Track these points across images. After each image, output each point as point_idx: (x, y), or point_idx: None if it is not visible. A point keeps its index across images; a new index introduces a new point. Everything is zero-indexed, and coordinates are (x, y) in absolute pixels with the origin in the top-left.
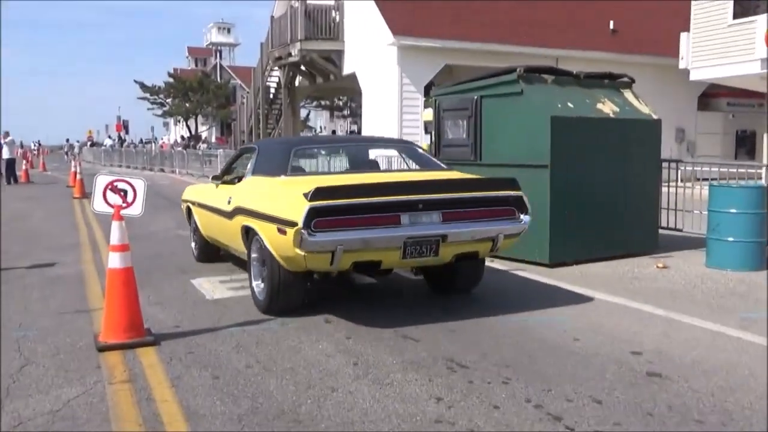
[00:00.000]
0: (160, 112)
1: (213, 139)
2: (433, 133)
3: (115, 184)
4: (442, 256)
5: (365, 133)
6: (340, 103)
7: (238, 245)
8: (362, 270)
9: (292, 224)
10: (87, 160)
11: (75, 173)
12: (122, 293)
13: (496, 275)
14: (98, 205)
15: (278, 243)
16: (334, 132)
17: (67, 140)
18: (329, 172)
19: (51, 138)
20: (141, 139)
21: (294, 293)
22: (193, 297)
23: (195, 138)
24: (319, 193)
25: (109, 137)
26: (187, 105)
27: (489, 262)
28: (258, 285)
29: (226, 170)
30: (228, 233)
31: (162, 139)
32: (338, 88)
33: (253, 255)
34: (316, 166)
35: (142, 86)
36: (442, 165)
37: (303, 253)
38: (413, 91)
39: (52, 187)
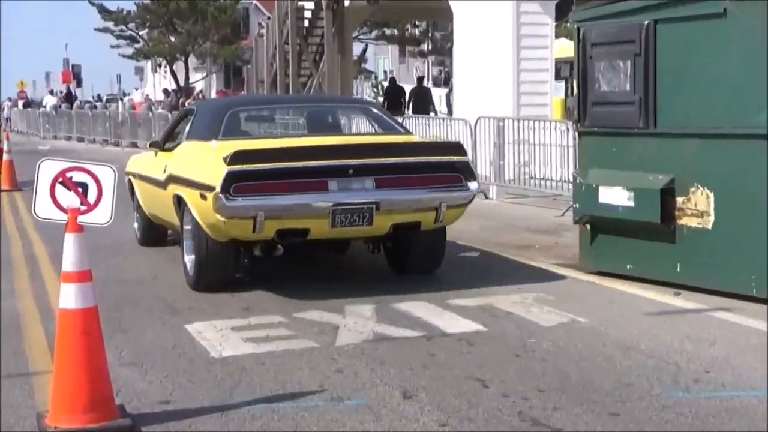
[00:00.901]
0: (130, 51)
1: (213, 94)
2: (573, 81)
3: (68, 174)
4: (378, 225)
5: (458, 81)
6: (416, 33)
7: (174, 219)
8: (288, 238)
9: (211, 189)
10: (18, 130)
11: (0, 150)
12: (81, 348)
13: (688, 319)
14: (43, 208)
15: (200, 209)
16: (393, 80)
17: None
18: (266, 136)
19: None
20: (99, 96)
21: (222, 266)
22: (190, 353)
23: (185, 92)
24: (238, 157)
25: (52, 93)
26: (173, 39)
27: (676, 299)
28: (190, 259)
29: (167, 136)
30: (165, 206)
31: (134, 94)
32: (413, 8)
33: (186, 227)
34: (259, 129)
35: (102, 10)
36: (400, 129)
37: (223, 219)
38: (538, 12)
39: None
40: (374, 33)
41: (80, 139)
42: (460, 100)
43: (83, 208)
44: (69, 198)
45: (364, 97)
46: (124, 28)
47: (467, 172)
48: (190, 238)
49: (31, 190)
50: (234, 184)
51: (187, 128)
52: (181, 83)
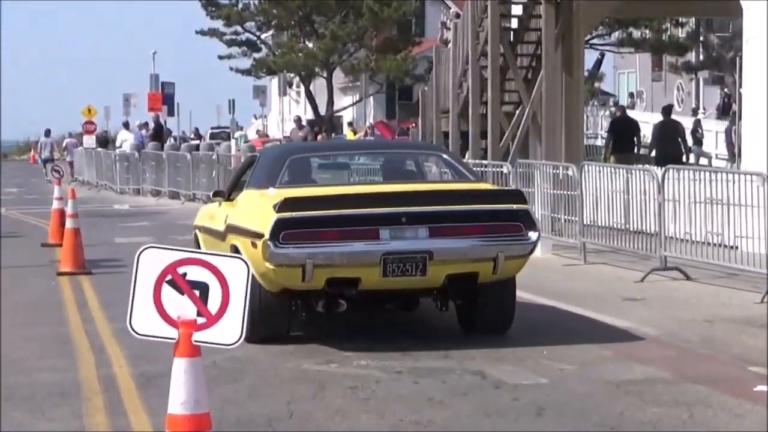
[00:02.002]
0: (247, 63)
1: (369, 127)
2: None
3: (181, 270)
4: (432, 276)
5: (749, 111)
6: (680, 35)
7: None
8: (338, 287)
9: (261, 236)
10: (85, 180)
11: (58, 212)
12: None
13: None
14: (143, 320)
15: (252, 257)
16: (623, 110)
17: (47, 133)
18: (326, 184)
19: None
20: (198, 131)
21: (276, 318)
22: None
23: (327, 123)
24: (287, 204)
25: (127, 127)
26: (311, 46)
27: None
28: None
29: (233, 185)
30: None
31: (252, 126)
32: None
33: None
34: (320, 177)
35: (209, 2)
36: (470, 176)
37: (272, 267)
38: None
39: (7, 243)
40: (615, 35)
41: (174, 195)
42: (753, 141)
43: (201, 320)
44: (181, 305)
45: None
46: (239, 29)
47: (527, 220)
48: None
49: (105, 273)
50: (283, 231)
51: (248, 177)
52: (322, 110)
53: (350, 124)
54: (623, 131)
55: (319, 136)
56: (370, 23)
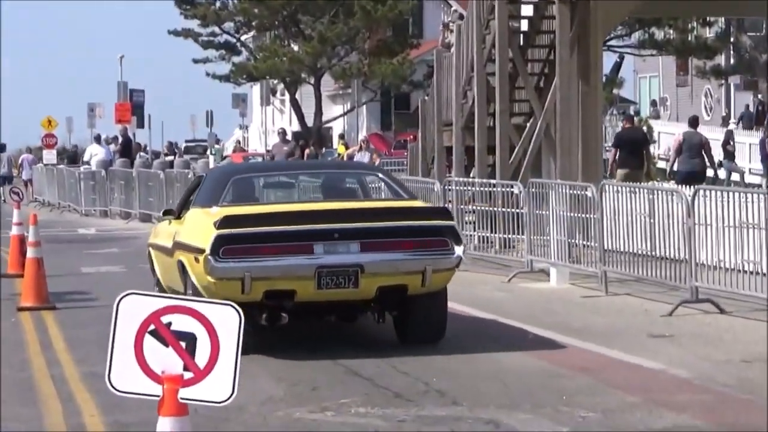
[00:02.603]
0: (225, 68)
1: (359, 138)
2: None
3: (165, 319)
4: (364, 288)
5: None
6: (707, 36)
7: (180, 286)
8: (276, 299)
9: (203, 251)
10: (46, 201)
11: (18, 239)
12: None
13: None
14: (125, 376)
15: (195, 271)
16: (631, 120)
17: (1, 147)
18: (266, 203)
19: None
20: (173, 145)
21: None
22: None
23: (314, 136)
24: (227, 221)
25: (99, 141)
26: (296, 49)
27: None
28: None
29: (182, 204)
30: (174, 274)
31: (232, 138)
32: None
33: (188, 293)
34: (261, 196)
35: (183, 1)
36: (404, 195)
37: (213, 280)
38: None
39: None
40: (635, 36)
41: (146, 217)
42: None
43: (189, 375)
44: (166, 358)
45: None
46: (216, 30)
47: (453, 236)
48: None
49: (71, 308)
50: (223, 246)
51: (194, 196)
52: (309, 121)
53: (342, 136)
54: (630, 145)
55: (307, 151)
56: (362, 23)
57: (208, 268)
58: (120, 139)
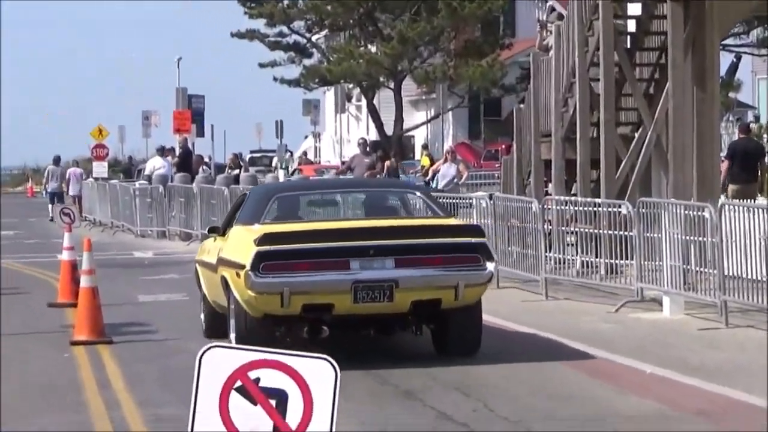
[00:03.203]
0: (295, 72)
1: (444, 148)
2: None
3: (253, 375)
4: (398, 302)
5: None
6: None
7: (224, 301)
8: (314, 313)
9: (243, 267)
10: (97, 221)
11: (69, 265)
12: None
13: None
14: None
15: (237, 286)
16: (746, 130)
17: (56, 160)
18: (307, 220)
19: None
20: (238, 157)
21: (260, 342)
22: None
23: (395, 148)
24: (266, 238)
25: (163, 153)
26: (374, 50)
27: None
28: (233, 338)
29: (228, 221)
30: (219, 289)
31: (302, 147)
32: None
33: (231, 307)
34: (303, 213)
35: None
36: (440, 212)
37: (254, 295)
38: None
39: (6, 302)
40: (754, 34)
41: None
42: None
43: None
44: (254, 418)
45: None
46: (284, 30)
47: (485, 252)
48: (233, 316)
49: (129, 341)
50: (263, 262)
51: (238, 213)
52: (389, 129)
53: (425, 147)
54: (743, 157)
55: (387, 163)
56: (447, 22)
57: (249, 283)
58: (178, 151)
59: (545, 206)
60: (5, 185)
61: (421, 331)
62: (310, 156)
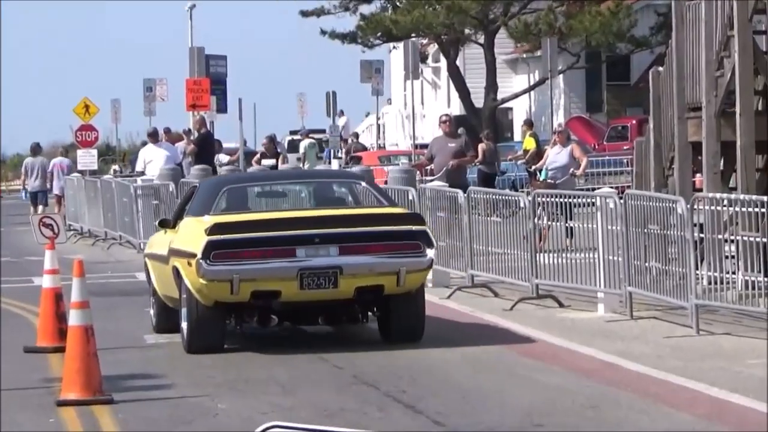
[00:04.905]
0: (351, 23)
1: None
2: None
3: None
4: (343, 288)
5: None
6: None
7: (175, 292)
8: (263, 299)
9: (195, 256)
10: (84, 230)
11: (52, 294)
12: None
13: None
14: None
15: (189, 275)
16: None
17: (34, 149)
18: (254, 211)
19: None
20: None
21: (212, 329)
22: None
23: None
24: (216, 228)
25: (155, 139)
26: None
27: None
28: (184, 326)
29: (178, 214)
30: (170, 281)
31: (362, 125)
32: None
33: (183, 296)
34: (251, 204)
35: None
36: (384, 202)
37: (205, 282)
38: None
39: None
40: None
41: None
42: None
43: None
44: None
45: None
46: None
47: (425, 240)
48: (185, 305)
49: (134, 400)
50: (213, 251)
51: (188, 206)
52: (478, 101)
53: (529, 123)
54: None
55: (482, 146)
56: None
57: (200, 271)
58: (195, 134)
59: (695, 206)
60: None
61: (366, 318)
62: (367, 138)
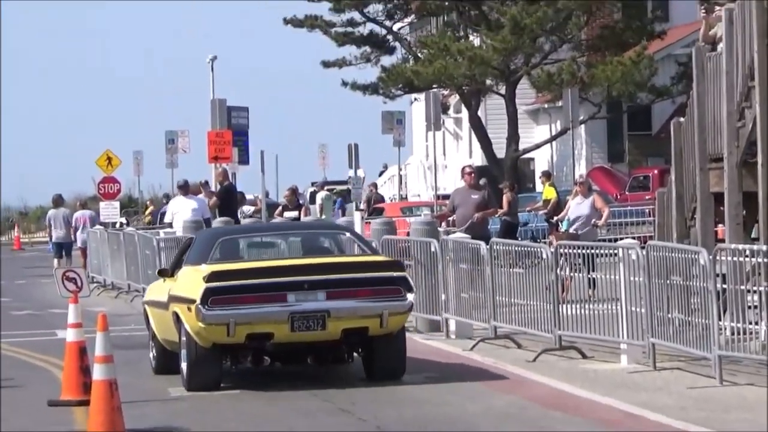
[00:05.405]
0: (372, 74)
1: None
2: None
3: None
4: (330, 330)
5: None
6: None
7: (176, 336)
8: (257, 341)
9: (194, 301)
10: (107, 283)
11: (76, 349)
12: None
13: None
14: None
15: (188, 319)
16: None
17: (57, 201)
18: (248, 260)
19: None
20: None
21: (209, 369)
22: None
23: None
24: (213, 276)
25: (184, 191)
26: (477, 44)
27: None
28: (184, 366)
29: (175, 264)
30: (169, 325)
31: (386, 175)
32: None
33: (183, 339)
34: (245, 253)
35: None
36: (368, 250)
37: (203, 326)
38: None
39: None
40: None
41: None
42: None
43: None
44: None
45: None
46: (356, 17)
47: (405, 285)
48: (185, 347)
49: None
50: (211, 297)
51: (186, 255)
52: (500, 151)
53: (547, 174)
54: None
55: (506, 196)
56: (576, 3)
57: (199, 316)
58: (217, 187)
59: (717, 257)
60: None
61: (352, 358)
62: (389, 189)
